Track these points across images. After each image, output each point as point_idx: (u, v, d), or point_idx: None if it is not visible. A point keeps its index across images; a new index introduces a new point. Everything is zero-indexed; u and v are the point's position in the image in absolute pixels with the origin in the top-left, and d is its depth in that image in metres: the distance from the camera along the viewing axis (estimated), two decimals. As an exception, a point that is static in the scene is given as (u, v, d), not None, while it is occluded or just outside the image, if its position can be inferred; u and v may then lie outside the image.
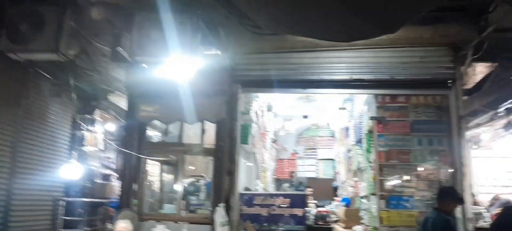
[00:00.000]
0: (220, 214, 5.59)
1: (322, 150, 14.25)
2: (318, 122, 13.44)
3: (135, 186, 5.91)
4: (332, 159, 13.93)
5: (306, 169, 14.19)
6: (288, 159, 14.12)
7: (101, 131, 8.76)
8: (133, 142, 6.04)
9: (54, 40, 5.05)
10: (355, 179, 8.71)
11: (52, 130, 7.42)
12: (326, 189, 13.31)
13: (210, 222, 5.73)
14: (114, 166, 9.25)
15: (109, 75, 7.94)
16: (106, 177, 8.82)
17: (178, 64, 5.16)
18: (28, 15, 5.17)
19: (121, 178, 5.98)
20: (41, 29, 5.09)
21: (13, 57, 5.33)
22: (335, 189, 13.00)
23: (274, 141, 12.69)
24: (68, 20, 5.21)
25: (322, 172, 14.14)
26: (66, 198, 7.24)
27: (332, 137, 14.00)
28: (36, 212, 6.82)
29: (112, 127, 9.28)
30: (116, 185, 8.96)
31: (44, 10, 5.19)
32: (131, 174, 5.94)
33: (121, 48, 5.46)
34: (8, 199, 6.16)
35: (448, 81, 5.87)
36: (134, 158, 5.95)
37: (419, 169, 6.04)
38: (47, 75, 7.03)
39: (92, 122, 8.40)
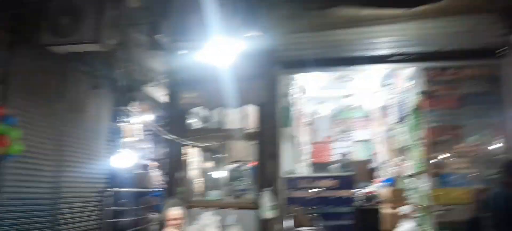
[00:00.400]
0: (267, 199, 5.51)
1: (356, 131, 13.96)
2: (351, 103, 13.15)
3: (178, 174, 5.88)
4: (367, 140, 13.62)
5: (340, 152, 13.94)
6: (323, 142, 13.91)
7: (138, 122, 8.80)
8: (175, 129, 6.00)
9: (95, 31, 5.02)
10: (399, 158, 8.46)
11: (92, 122, 7.50)
12: (362, 171, 13.03)
13: (256, 207, 5.67)
14: (152, 156, 9.29)
15: (145, 66, 7.96)
16: (144, 167, 8.87)
17: (219, 48, 5.07)
18: (67, 8, 5.17)
19: (165, 166, 5.97)
20: (82, 20, 5.07)
21: (56, 50, 5.34)
22: (372, 170, 12.74)
23: (309, 124, 12.51)
24: (108, 10, 5.18)
25: (357, 154, 13.87)
26: (112, 189, 7.31)
27: (366, 117, 13.69)
28: (83, 202, 6.92)
29: (148, 117, 9.31)
30: (155, 175, 9.03)
31: (83, 2, 5.17)
32: (174, 162, 5.92)
33: (159, 36, 5.39)
34: (56, 190, 6.26)
35: (501, 50, 5.55)
36: (177, 146, 5.92)
37: (472, 143, 5.77)
38: (86, 68, 7.09)
39: (128, 113, 8.45)
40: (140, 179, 8.35)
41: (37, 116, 5.83)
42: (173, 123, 5.98)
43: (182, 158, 6.00)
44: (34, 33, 5.32)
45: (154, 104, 9.40)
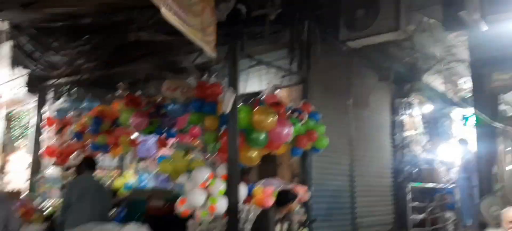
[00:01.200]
0: None
1: None
2: None
3: (494, 169, 5.06)
4: None
5: None
6: None
7: (418, 114, 8.32)
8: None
9: (394, 18, 4.80)
10: None
11: (375, 116, 7.45)
12: None
13: None
14: (435, 150, 8.61)
15: (427, 52, 7.39)
16: (429, 162, 8.28)
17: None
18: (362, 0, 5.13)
19: (477, 161, 5.23)
20: (379, 10, 4.93)
21: (352, 45, 5.40)
22: None
23: None
24: (404, -5, 4.89)
25: None
26: (403, 183, 7.06)
27: None
28: (375, 196, 6.93)
29: (429, 108, 8.70)
30: (441, 170, 8.33)
31: (378, -10, 5.03)
32: (487, 155, 5.11)
33: (463, 12, 4.74)
34: (352, 183, 6.41)
35: None
36: (489, 137, 5.10)
37: None
38: (369, 62, 7.07)
39: (409, 105, 8.06)
40: (426, 174, 7.83)
41: (331, 111, 6.07)
42: (481, 111, 5.18)
43: (496, 151, 5.14)
44: (328, 32, 5.54)
45: (432, 95, 8.72)
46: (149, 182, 7.72)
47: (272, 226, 3.83)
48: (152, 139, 7.56)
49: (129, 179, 7.45)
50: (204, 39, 3.56)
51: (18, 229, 2.60)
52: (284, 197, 3.95)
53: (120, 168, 8.11)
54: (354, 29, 5.20)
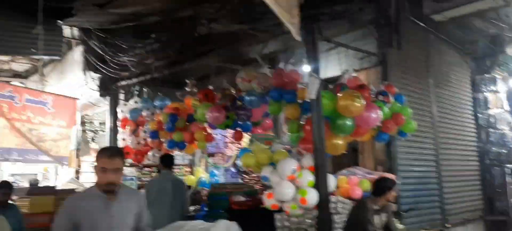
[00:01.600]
0: None
1: None
2: None
3: None
4: None
5: None
6: None
7: (503, 90, 7.58)
8: None
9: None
10: None
11: (456, 95, 6.90)
12: None
13: None
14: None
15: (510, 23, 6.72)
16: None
17: None
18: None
19: None
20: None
21: (437, 18, 4.97)
22: None
23: None
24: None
25: None
26: (492, 166, 6.50)
27: None
28: (462, 181, 6.42)
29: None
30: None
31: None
32: None
33: None
34: (438, 168, 5.95)
35: None
36: None
37: None
38: (448, 37, 6.55)
39: (492, 81, 7.38)
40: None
41: (411, 92, 5.63)
42: None
43: None
44: (409, 7, 5.11)
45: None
46: (220, 177, 7.66)
47: (371, 217, 3.52)
48: (220, 134, 7.49)
49: (201, 175, 7.43)
50: (291, 21, 3.33)
51: (148, 225, 2.52)
52: (383, 185, 3.62)
53: (191, 164, 8.11)
54: (441, 0, 4.79)
